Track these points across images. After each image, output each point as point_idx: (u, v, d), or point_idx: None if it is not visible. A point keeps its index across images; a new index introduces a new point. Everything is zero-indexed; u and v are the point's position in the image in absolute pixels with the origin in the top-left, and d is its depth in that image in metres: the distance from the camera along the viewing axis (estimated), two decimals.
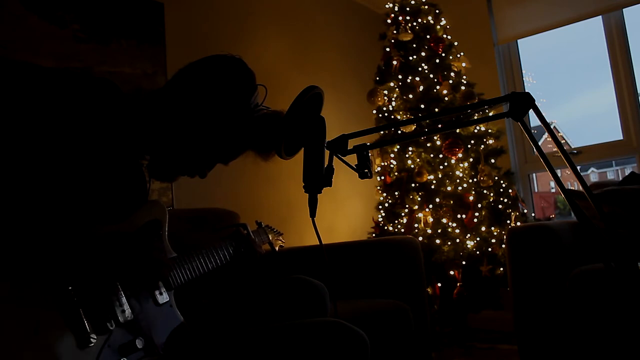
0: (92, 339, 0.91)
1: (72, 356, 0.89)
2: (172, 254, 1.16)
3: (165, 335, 1.05)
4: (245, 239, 1.34)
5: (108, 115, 1.02)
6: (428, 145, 2.89)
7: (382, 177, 3.04)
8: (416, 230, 2.79)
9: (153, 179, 1.18)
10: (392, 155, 3.02)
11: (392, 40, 3.07)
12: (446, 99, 2.88)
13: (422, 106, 2.88)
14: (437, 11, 3.11)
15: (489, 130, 2.92)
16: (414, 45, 3.01)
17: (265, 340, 1.10)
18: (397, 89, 3.01)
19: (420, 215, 2.80)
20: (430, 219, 2.78)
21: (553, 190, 6.31)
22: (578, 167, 1.57)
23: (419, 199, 2.79)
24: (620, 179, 2.35)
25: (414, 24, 3.04)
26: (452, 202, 2.78)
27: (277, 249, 1.53)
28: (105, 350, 0.93)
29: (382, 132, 2.97)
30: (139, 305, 1.02)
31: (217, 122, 1.11)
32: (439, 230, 2.78)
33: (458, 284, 2.66)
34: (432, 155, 2.88)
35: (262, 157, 1.21)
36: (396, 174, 2.97)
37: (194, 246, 1.23)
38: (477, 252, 2.71)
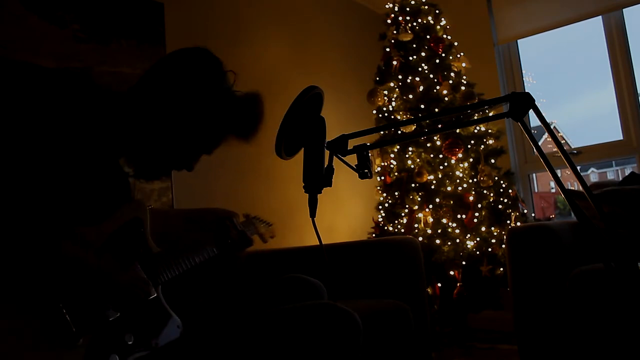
0: (78, 338, 0.91)
1: (59, 356, 0.89)
2: (157, 250, 1.17)
3: (155, 330, 1.05)
4: (229, 230, 1.33)
5: (81, 115, 1.03)
6: (428, 145, 2.89)
7: (382, 177, 3.04)
8: (416, 230, 2.79)
9: (137, 179, 1.18)
10: (392, 155, 3.02)
11: (392, 41, 3.07)
12: (446, 99, 2.88)
13: (422, 106, 2.88)
14: (437, 11, 3.11)
15: (489, 131, 2.92)
16: (414, 46, 3.00)
17: (258, 324, 1.12)
18: (397, 89, 3.01)
19: (420, 215, 2.80)
20: (430, 219, 2.78)
21: (553, 190, 6.31)
22: (578, 167, 1.57)
23: (419, 199, 2.79)
24: (620, 179, 2.35)
25: (414, 24, 3.04)
26: (452, 202, 2.78)
27: (267, 240, 1.53)
28: (93, 347, 0.93)
29: (382, 132, 2.96)
30: (125, 301, 1.02)
31: (192, 110, 1.12)
32: (439, 230, 2.78)
33: (458, 284, 2.65)
34: (432, 155, 2.88)
35: (244, 140, 1.21)
36: (396, 174, 2.97)
37: (178, 240, 1.23)
38: (477, 252, 2.71)
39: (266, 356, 1.06)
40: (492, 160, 2.89)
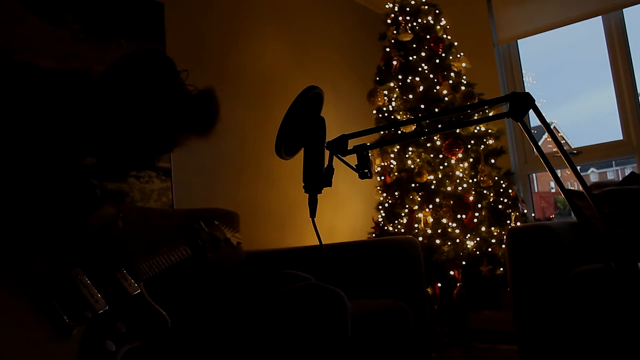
0: (71, 328, 0.93)
1: (53, 345, 0.91)
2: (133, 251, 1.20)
3: (143, 322, 1.07)
4: (199, 232, 1.36)
5: (59, 116, 1.05)
6: (428, 145, 2.89)
7: (382, 177, 3.04)
8: (416, 230, 2.79)
9: (102, 181, 1.21)
10: (392, 155, 3.02)
11: (392, 40, 3.07)
12: (446, 99, 2.88)
13: (422, 106, 2.88)
14: (437, 11, 3.11)
15: (489, 131, 2.92)
16: (414, 45, 3.00)
17: (246, 308, 1.15)
18: (397, 89, 3.01)
19: (420, 215, 2.80)
20: (430, 219, 2.78)
21: (553, 190, 6.30)
22: (578, 167, 1.57)
23: (419, 199, 2.79)
24: (620, 179, 2.35)
25: (414, 24, 3.04)
26: (452, 202, 2.77)
27: (235, 244, 1.55)
28: (88, 336, 0.96)
29: (382, 132, 2.96)
30: (112, 295, 1.06)
31: (146, 108, 1.14)
32: (439, 230, 2.78)
33: (458, 284, 2.66)
34: (432, 155, 2.88)
35: (201, 136, 1.25)
36: (396, 174, 2.97)
37: (154, 242, 1.26)
38: (477, 252, 2.71)
39: (255, 339, 1.09)
40: (492, 160, 2.89)
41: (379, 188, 3.08)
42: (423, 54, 2.99)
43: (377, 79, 3.11)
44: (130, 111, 1.13)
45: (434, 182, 2.83)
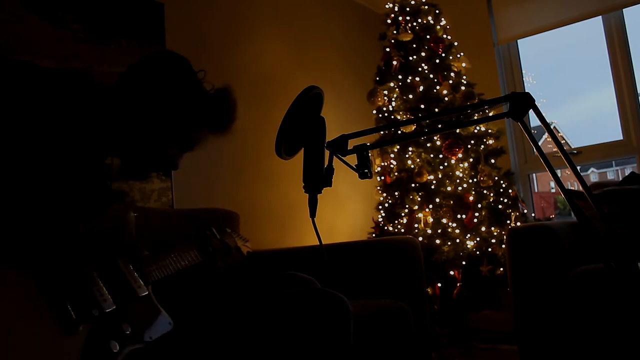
0: (78, 325, 0.94)
1: (58, 341, 0.91)
2: (144, 253, 1.21)
3: (148, 324, 1.08)
4: (210, 239, 1.37)
5: (74, 116, 1.06)
6: (428, 145, 2.89)
7: (382, 177, 3.04)
8: (416, 230, 2.79)
9: (127, 179, 1.22)
10: (392, 155, 3.02)
11: (392, 40, 3.07)
12: (446, 99, 2.88)
13: (422, 106, 2.88)
14: (437, 11, 3.11)
15: (489, 131, 2.92)
16: (414, 46, 3.00)
17: (248, 313, 1.16)
18: (397, 89, 3.01)
19: (420, 215, 2.80)
20: (430, 219, 2.78)
21: (553, 190, 6.31)
22: (578, 167, 1.57)
23: (419, 199, 2.79)
24: (620, 179, 2.35)
25: (414, 24, 3.04)
26: (452, 202, 2.77)
27: (245, 253, 1.55)
28: (94, 334, 0.97)
29: (382, 132, 2.96)
30: (120, 296, 1.06)
31: (168, 108, 1.15)
32: (439, 230, 2.78)
33: (458, 284, 2.66)
34: (432, 155, 2.88)
35: (221, 133, 1.26)
36: (396, 174, 2.97)
37: (165, 245, 1.27)
38: (477, 252, 2.71)
39: (256, 343, 1.09)
40: (492, 160, 2.89)
41: (379, 188, 3.08)
42: (423, 54, 2.99)
43: (377, 79, 3.11)
44: (151, 111, 1.14)
45: (434, 182, 2.83)
